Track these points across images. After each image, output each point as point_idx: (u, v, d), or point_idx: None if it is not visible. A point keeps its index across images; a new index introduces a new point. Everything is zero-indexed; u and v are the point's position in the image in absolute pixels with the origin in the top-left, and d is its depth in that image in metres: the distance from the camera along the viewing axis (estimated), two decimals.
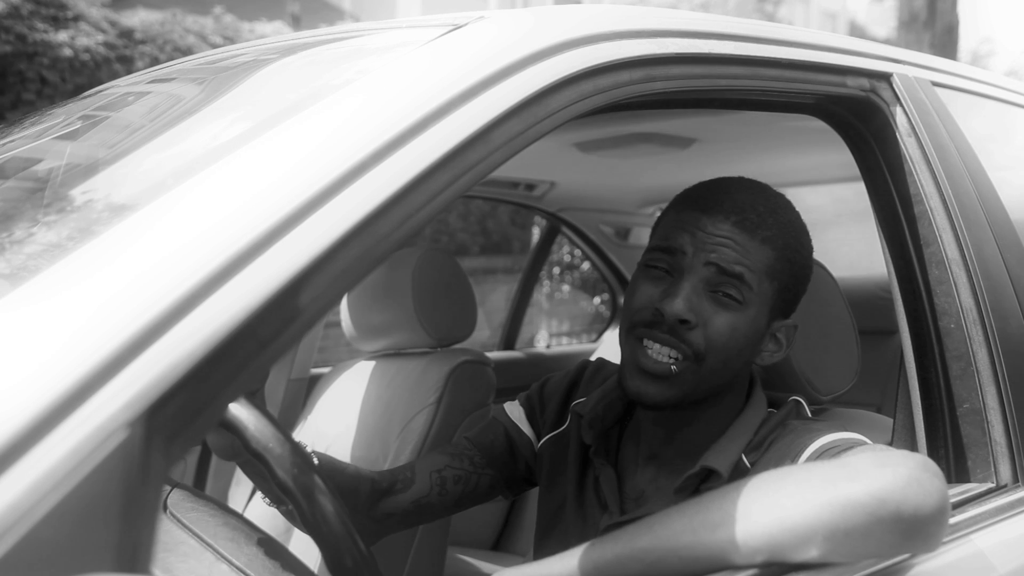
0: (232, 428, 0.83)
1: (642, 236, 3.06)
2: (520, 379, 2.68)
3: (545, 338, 8.40)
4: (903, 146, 1.15)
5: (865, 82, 1.15)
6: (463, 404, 1.83)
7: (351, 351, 2.12)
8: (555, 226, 3.02)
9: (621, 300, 3.21)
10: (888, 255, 1.16)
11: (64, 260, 0.62)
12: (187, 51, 6.68)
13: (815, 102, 1.15)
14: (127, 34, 6.63)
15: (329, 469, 1.08)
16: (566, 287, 9.19)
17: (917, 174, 1.14)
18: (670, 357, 0.98)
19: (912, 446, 1.11)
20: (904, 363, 1.14)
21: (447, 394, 1.81)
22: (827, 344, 1.30)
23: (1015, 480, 1.09)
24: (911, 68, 1.24)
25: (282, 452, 0.81)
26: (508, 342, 3.11)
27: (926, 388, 1.12)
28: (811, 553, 0.77)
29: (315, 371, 2.30)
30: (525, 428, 1.20)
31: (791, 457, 0.95)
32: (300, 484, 0.80)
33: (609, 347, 2.96)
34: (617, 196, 2.79)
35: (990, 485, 1.08)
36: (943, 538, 0.84)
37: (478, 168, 0.75)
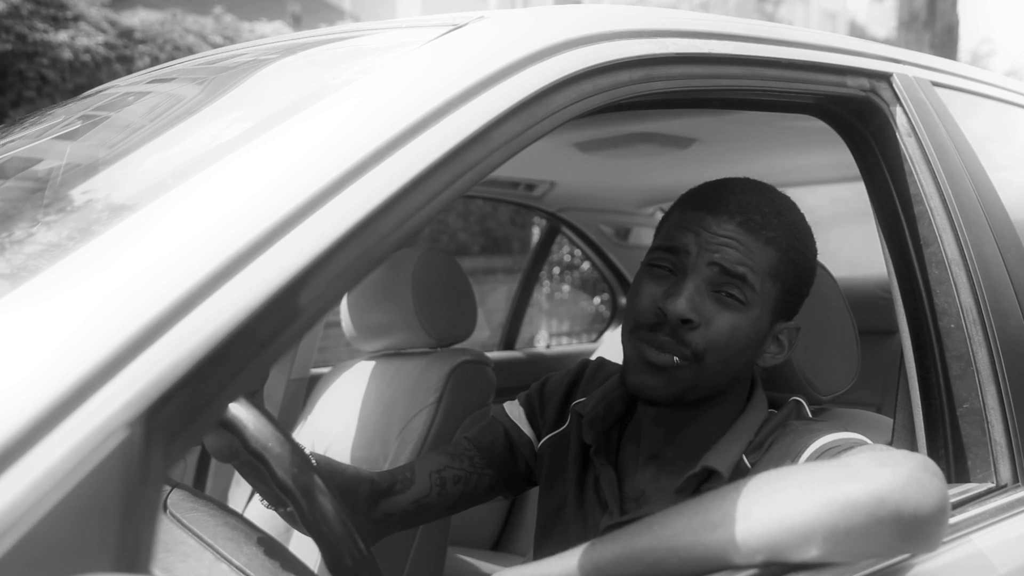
0: (231, 428, 0.83)
1: (642, 236, 3.06)
2: (520, 379, 2.68)
3: (545, 338, 8.40)
4: (903, 146, 1.15)
5: (865, 82, 1.15)
6: (463, 404, 1.83)
7: (351, 351, 2.13)
8: (555, 226, 3.02)
9: (621, 300, 3.21)
10: (888, 255, 1.16)
11: (64, 260, 0.62)
12: (187, 51, 6.68)
13: (815, 102, 1.15)
14: (127, 34, 6.63)
15: (327, 470, 1.08)
16: (566, 287, 9.19)
17: (917, 174, 1.14)
18: (672, 356, 0.98)
19: (912, 446, 1.11)
20: (904, 363, 1.14)
21: (447, 394, 1.81)
22: (827, 344, 1.30)
23: (1015, 480, 1.09)
24: (911, 68, 1.24)
25: (281, 452, 0.81)
26: (508, 342, 3.11)
27: (926, 388, 1.12)
28: (811, 553, 0.77)
29: (315, 371, 2.30)
30: (525, 428, 1.20)
31: (791, 457, 0.95)
32: (300, 484, 0.80)
33: (609, 347, 2.96)
34: (617, 196, 2.79)
35: (990, 485, 1.08)
36: (943, 538, 0.84)
37: (478, 168, 0.75)
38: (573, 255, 8.62)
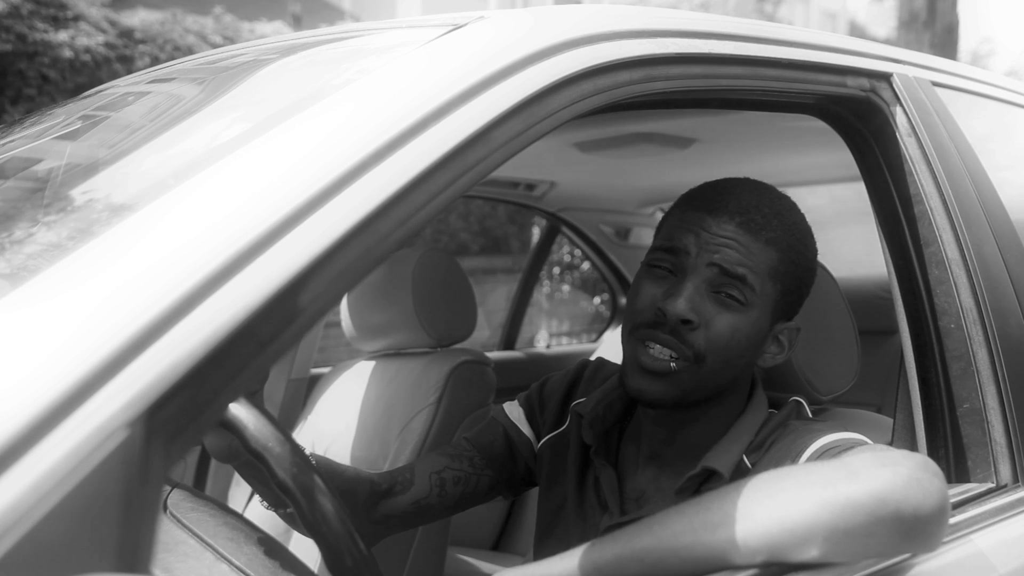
0: (231, 428, 0.83)
1: (642, 236, 3.06)
2: (520, 379, 2.68)
3: (545, 338, 8.39)
4: (903, 146, 1.15)
5: (865, 82, 1.15)
6: (463, 404, 1.83)
7: (351, 351, 2.12)
8: (555, 226, 3.02)
9: (621, 300, 3.21)
10: (888, 255, 1.16)
11: (64, 260, 0.62)
12: (187, 51, 6.68)
13: (815, 102, 1.15)
14: (127, 34, 6.63)
15: (327, 471, 1.08)
16: (566, 287, 9.19)
17: (917, 174, 1.14)
18: (671, 358, 0.98)
19: (912, 446, 1.11)
20: (904, 363, 1.14)
21: (447, 394, 1.81)
22: (827, 344, 1.30)
23: (1015, 480, 1.09)
24: (911, 68, 1.24)
25: (281, 452, 0.81)
26: (508, 342, 3.11)
27: (926, 388, 1.12)
28: (811, 553, 0.77)
29: (315, 371, 2.30)
30: (524, 428, 1.20)
31: (791, 457, 0.95)
32: (300, 484, 0.80)
33: (609, 347, 2.96)
34: (617, 196, 2.79)
35: (990, 485, 1.08)
36: (943, 538, 0.84)
37: (478, 168, 0.75)
38: (573, 255, 8.62)
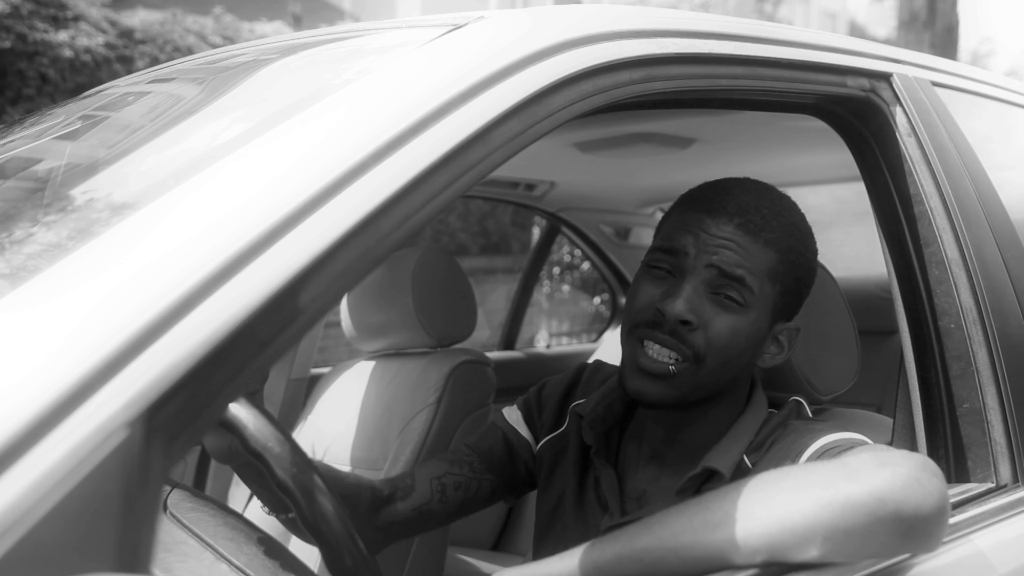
0: (231, 428, 0.83)
1: (642, 236, 3.06)
2: (520, 379, 2.68)
3: (545, 338, 8.39)
4: (903, 146, 1.15)
5: (865, 82, 1.15)
6: (463, 404, 1.83)
7: (351, 351, 2.13)
8: (555, 226, 3.02)
9: (621, 300, 3.21)
10: (888, 255, 1.16)
11: (64, 260, 0.62)
12: (187, 51, 6.68)
13: (815, 102, 1.15)
14: (127, 34, 6.63)
15: (328, 478, 1.08)
16: (566, 287, 9.19)
17: (917, 174, 1.14)
18: (670, 358, 0.98)
19: (912, 446, 1.11)
20: (904, 363, 1.14)
21: (447, 394, 1.81)
22: (827, 344, 1.30)
23: (1015, 480, 1.09)
24: (911, 68, 1.24)
25: (281, 452, 0.81)
26: (508, 342, 3.11)
27: (926, 388, 1.12)
28: (811, 553, 0.77)
29: (315, 371, 2.30)
30: (523, 431, 1.20)
31: (792, 457, 0.95)
32: (299, 483, 0.80)
33: (609, 347, 2.96)
34: (617, 196, 2.79)
35: (990, 485, 1.08)
36: (943, 538, 0.84)
37: (478, 168, 0.75)
38: (573, 255, 8.62)
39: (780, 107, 1.19)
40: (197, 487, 2.08)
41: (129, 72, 5.87)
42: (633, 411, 1.13)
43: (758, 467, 0.99)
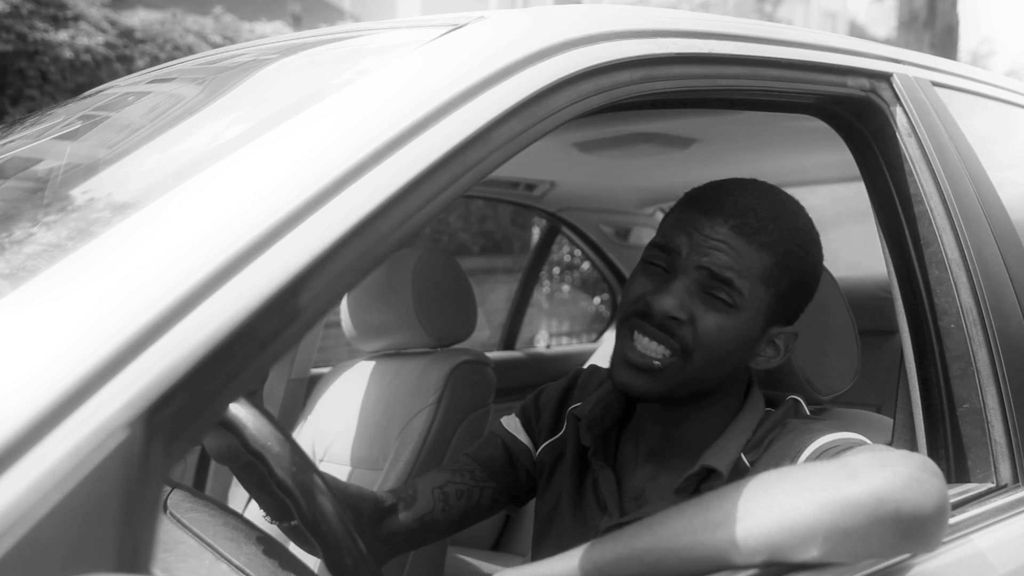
0: (230, 427, 0.83)
1: (642, 236, 3.06)
2: (520, 379, 2.69)
3: (545, 338, 8.40)
4: (903, 146, 1.15)
5: (865, 82, 1.15)
6: (463, 404, 1.83)
7: (351, 351, 2.12)
8: (555, 226, 3.02)
9: (617, 314, 3.20)
10: (888, 255, 1.16)
11: (64, 260, 0.62)
12: (187, 51, 6.68)
13: (815, 102, 1.15)
14: (127, 34, 6.63)
15: (331, 487, 1.08)
16: (566, 287, 9.19)
17: (917, 174, 1.14)
18: (656, 352, 0.98)
19: (912, 446, 1.11)
20: (904, 363, 1.14)
21: (447, 394, 1.81)
22: (827, 344, 1.30)
23: (1015, 480, 1.09)
24: (911, 68, 1.24)
25: (281, 451, 0.81)
26: (508, 342, 3.11)
27: (926, 388, 1.12)
28: (811, 553, 0.77)
29: (315, 371, 2.30)
30: (522, 437, 1.21)
31: (790, 457, 0.95)
32: (299, 482, 0.80)
33: (609, 347, 2.94)
34: (617, 196, 2.79)
35: (990, 485, 1.08)
36: (943, 538, 0.84)
37: (478, 168, 0.75)
38: (573, 255, 8.62)
39: (780, 107, 1.19)
40: (197, 487, 2.08)
41: (129, 72, 5.87)
42: (631, 412, 1.13)
43: (756, 466, 0.99)
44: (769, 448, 0.99)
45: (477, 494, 1.17)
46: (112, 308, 0.56)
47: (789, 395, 1.08)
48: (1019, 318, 1.17)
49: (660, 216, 2.90)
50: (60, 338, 0.55)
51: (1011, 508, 1.05)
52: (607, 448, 1.12)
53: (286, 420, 2.18)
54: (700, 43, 0.96)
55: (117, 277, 0.59)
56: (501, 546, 2.41)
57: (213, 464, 2.13)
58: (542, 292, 8.85)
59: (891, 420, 1.20)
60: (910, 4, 7.44)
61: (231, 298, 0.59)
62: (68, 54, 6.02)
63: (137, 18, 6.94)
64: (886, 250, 1.16)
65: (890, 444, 1.16)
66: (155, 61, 6.39)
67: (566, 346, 4.71)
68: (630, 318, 1.01)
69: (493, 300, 7.48)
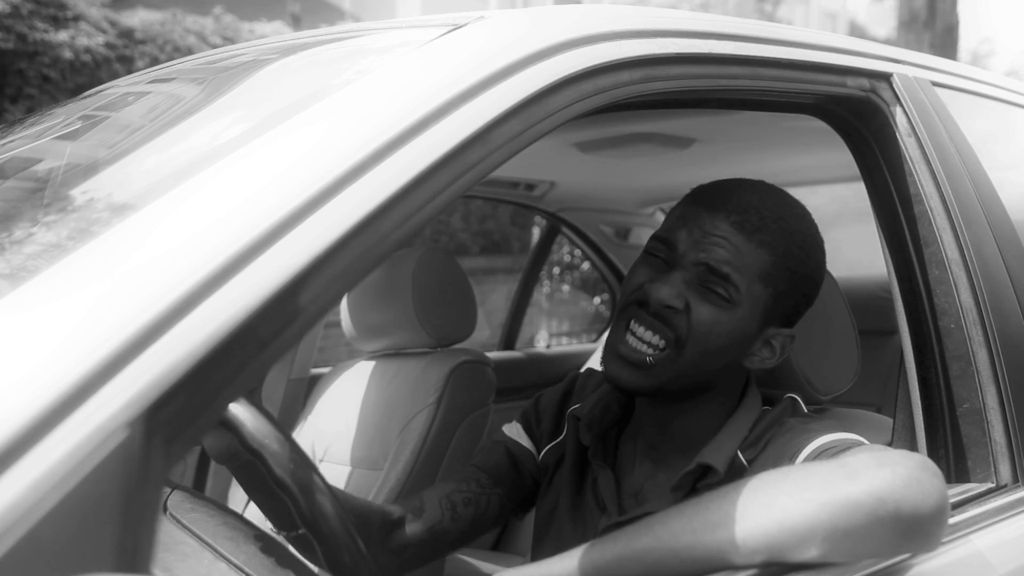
0: (229, 426, 0.83)
1: (642, 236, 3.06)
2: (520, 379, 2.69)
3: (545, 338, 8.40)
4: (903, 146, 1.15)
5: (865, 82, 1.15)
6: (463, 404, 1.84)
7: (351, 351, 2.13)
8: (555, 226, 3.02)
9: (617, 304, 3.20)
10: (888, 255, 1.16)
11: (64, 260, 0.62)
12: (187, 51, 6.68)
13: (815, 102, 1.15)
14: (127, 34, 6.64)
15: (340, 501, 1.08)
16: (566, 287, 9.19)
17: (917, 174, 1.14)
18: (651, 343, 0.99)
19: (912, 446, 1.11)
20: (904, 363, 1.14)
21: (447, 394, 1.81)
22: (827, 344, 1.30)
23: (1015, 480, 1.09)
24: (911, 68, 1.24)
25: (279, 449, 0.81)
26: (508, 342, 3.11)
27: (926, 388, 1.12)
28: (811, 553, 0.77)
29: (315, 371, 2.30)
30: (525, 442, 1.21)
31: (788, 457, 0.95)
32: (297, 480, 0.80)
33: None
34: (617, 196, 2.79)
35: (990, 485, 1.08)
36: (942, 538, 0.84)
37: (478, 168, 0.75)
38: (573, 255, 8.62)
39: (780, 107, 1.19)
40: (197, 487, 2.08)
41: (129, 72, 5.87)
42: (630, 413, 1.13)
43: (754, 466, 0.99)
44: (767, 447, 1.00)
45: (484, 501, 1.17)
46: (112, 308, 0.56)
47: (786, 394, 1.09)
48: (1019, 318, 1.17)
49: (660, 216, 2.90)
50: (60, 338, 0.55)
51: (1011, 508, 1.05)
52: (606, 448, 1.12)
53: (286, 420, 2.18)
54: (700, 43, 0.96)
55: (117, 277, 0.59)
56: (501, 546, 2.41)
57: (213, 464, 2.13)
58: (542, 292, 8.85)
59: (891, 420, 1.20)
60: (910, 4, 7.45)
61: (231, 298, 0.59)
62: (68, 54, 6.02)
63: (137, 18, 6.94)
64: (886, 250, 1.16)
65: (890, 444, 1.16)
66: (155, 62, 6.39)
67: (566, 346, 4.71)
68: (628, 307, 1.03)
69: (493, 300, 7.48)
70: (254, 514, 1.35)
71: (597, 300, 8.43)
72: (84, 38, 6.20)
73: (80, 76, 6.10)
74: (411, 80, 0.77)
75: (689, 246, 1.00)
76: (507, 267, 8.32)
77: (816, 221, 1.08)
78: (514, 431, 1.22)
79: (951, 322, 1.11)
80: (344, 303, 1.97)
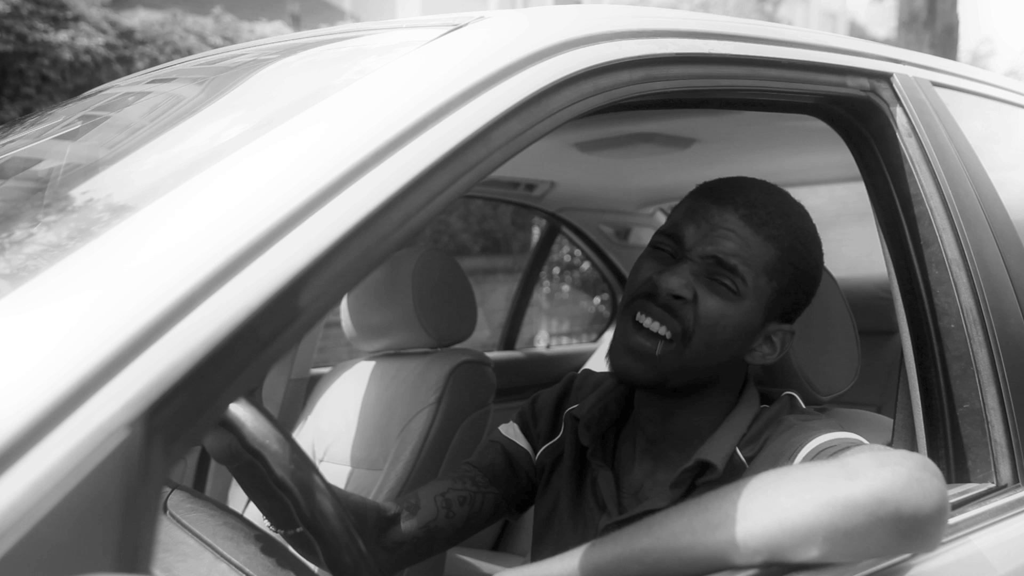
0: (229, 426, 0.83)
1: (642, 236, 3.06)
2: (520, 379, 2.69)
3: (545, 338, 8.40)
4: (903, 146, 1.15)
5: (865, 82, 1.15)
6: (463, 404, 1.83)
7: (351, 351, 2.13)
8: (555, 226, 3.02)
9: (621, 299, 3.20)
10: (888, 255, 1.16)
11: (64, 260, 0.62)
12: (187, 52, 6.69)
13: (815, 102, 1.15)
14: (127, 35, 6.64)
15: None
16: (566, 287, 9.19)
17: (917, 174, 1.15)
18: (658, 334, 0.99)
19: (912, 446, 1.11)
20: (904, 363, 1.14)
21: (447, 394, 1.81)
22: (827, 344, 1.30)
23: (1015, 480, 1.09)
24: (911, 68, 1.24)
25: (279, 449, 0.81)
26: (508, 342, 3.11)
27: (926, 388, 1.12)
28: (811, 553, 0.77)
29: (315, 371, 2.30)
30: (521, 442, 1.21)
31: (787, 456, 0.95)
32: (297, 480, 0.80)
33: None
34: (617, 196, 2.79)
35: (990, 485, 1.08)
36: (943, 538, 0.84)
37: (478, 168, 0.75)
38: (573, 255, 8.62)
39: (780, 107, 1.19)
40: (197, 487, 2.09)
41: (129, 72, 5.87)
42: (628, 412, 1.13)
43: (753, 464, 0.99)
44: (765, 445, 1.00)
45: (480, 500, 1.17)
46: (112, 308, 0.56)
47: (785, 391, 1.09)
48: (1019, 318, 1.17)
49: (660, 216, 2.90)
50: (60, 338, 0.55)
51: (1011, 508, 1.05)
52: (605, 448, 1.12)
53: (286, 420, 2.18)
54: (700, 43, 0.96)
55: (117, 277, 0.59)
56: (501, 546, 2.41)
57: (213, 464, 2.13)
58: (542, 292, 8.85)
59: (891, 420, 1.20)
60: (910, 4, 7.44)
61: (231, 298, 0.59)
62: (68, 55, 6.02)
63: (137, 19, 6.94)
64: (886, 250, 1.16)
65: (890, 444, 1.16)
66: (155, 62, 6.39)
67: (566, 346, 4.72)
68: (634, 300, 1.03)
69: (493, 300, 7.48)
70: (254, 514, 1.35)
71: (597, 300, 8.43)
72: (84, 39, 6.20)
73: (80, 77, 6.10)
74: (411, 80, 0.77)
75: (697, 239, 1.01)
76: (507, 267, 8.33)
77: (816, 221, 1.09)
78: (511, 431, 1.23)
79: (951, 322, 1.11)
80: (344, 303, 1.97)
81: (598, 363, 2.72)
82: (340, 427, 1.94)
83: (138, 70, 4.33)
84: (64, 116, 1.21)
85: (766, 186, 1.07)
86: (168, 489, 0.96)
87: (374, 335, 1.95)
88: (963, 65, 1.49)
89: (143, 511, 0.54)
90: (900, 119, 1.16)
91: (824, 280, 1.28)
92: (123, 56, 6.47)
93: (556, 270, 8.90)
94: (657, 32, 0.93)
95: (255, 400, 0.86)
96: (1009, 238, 1.22)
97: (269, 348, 0.61)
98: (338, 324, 2.02)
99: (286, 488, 0.81)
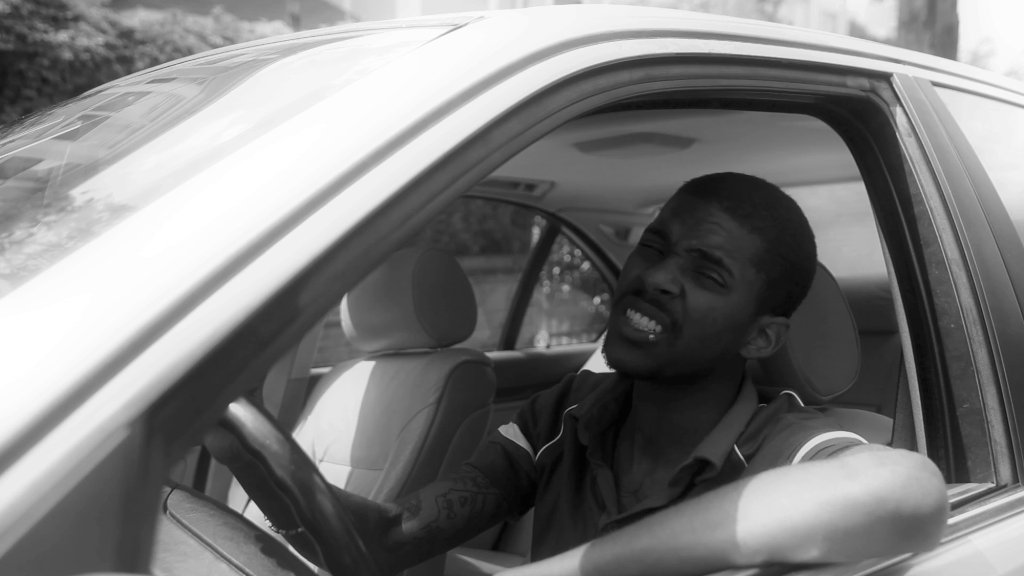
0: (230, 426, 0.83)
1: None
2: (520, 379, 2.69)
3: (545, 338, 8.40)
4: (903, 146, 1.15)
5: (865, 82, 1.15)
6: (463, 404, 1.84)
7: (351, 351, 2.13)
8: (555, 226, 3.02)
9: (612, 297, 3.20)
10: (888, 255, 1.16)
11: (64, 260, 0.62)
12: (187, 51, 6.69)
13: (815, 102, 1.15)
14: (127, 34, 6.64)
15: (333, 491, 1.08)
16: (566, 287, 9.19)
17: (917, 174, 1.15)
18: (649, 325, 1.00)
19: (912, 446, 1.12)
20: (904, 363, 1.14)
21: (447, 394, 1.81)
22: (827, 344, 1.30)
23: (1015, 480, 1.09)
24: (911, 68, 1.24)
25: (279, 449, 0.81)
26: (508, 342, 3.11)
27: (926, 388, 1.12)
28: (811, 553, 0.77)
29: (315, 371, 2.30)
30: (521, 442, 1.22)
31: (786, 455, 0.95)
32: (298, 480, 0.80)
33: None
34: (617, 196, 2.79)
35: (990, 485, 1.08)
36: (942, 537, 0.84)
37: (478, 168, 0.75)
38: (573, 255, 8.62)
39: (780, 107, 1.19)
40: (197, 487, 2.09)
41: (129, 72, 5.87)
42: (627, 412, 1.14)
43: (752, 462, 0.99)
44: (764, 443, 1.00)
45: (481, 500, 1.18)
46: (112, 307, 0.56)
47: (783, 390, 1.09)
48: (1019, 318, 1.17)
49: None
50: (60, 337, 0.55)
51: (1011, 508, 1.05)
52: (604, 447, 1.12)
53: (286, 420, 2.18)
54: (700, 43, 0.96)
55: (117, 277, 0.59)
56: (501, 546, 2.41)
57: (213, 464, 2.13)
58: (542, 292, 8.85)
59: (891, 420, 1.20)
60: (910, 4, 7.44)
61: (231, 298, 0.59)
62: (68, 55, 6.02)
63: (137, 19, 6.94)
64: (886, 250, 1.16)
65: (890, 444, 1.16)
66: (155, 62, 6.39)
67: (566, 346, 4.72)
68: (624, 297, 1.04)
69: (493, 300, 7.48)
70: (254, 514, 1.35)
71: (597, 300, 8.43)
72: (84, 38, 6.20)
73: (79, 77, 6.10)
74: (411, 80, 0.77)
75: (682, 234, 1.02)
76: (507, 267, 8.33)
77: (816, 221, 1.09)
78: (511, 432, 1.23)
79: (951, 322, 1.11)
80: (344, 303, 1.97)
81: (598, 363, 2.72)
82: (340, 427, 1.94)
83: (138, 70, 4.33)
84: (64, 116, 1.21)
85: (752, 180, 1.08)
86: (168, 489, 0.96)
87: (374, 335, 1.95)
88: (963, 65, 1.49)
89: (143, 511, 0.54)
90: (900, 119, 1.16)
91: (824, 280, 1.28)
92: (123, 56, 6.47)
93: (556, 270, 8.90)
94: (657, 32, 0.93)
95: (255, 400, 0.86)
96: (1009, 238, 1.22)
97: (269, 348, 0.61)
98: (338, 324, 2.02)
99: (286, 488, 0.81)
